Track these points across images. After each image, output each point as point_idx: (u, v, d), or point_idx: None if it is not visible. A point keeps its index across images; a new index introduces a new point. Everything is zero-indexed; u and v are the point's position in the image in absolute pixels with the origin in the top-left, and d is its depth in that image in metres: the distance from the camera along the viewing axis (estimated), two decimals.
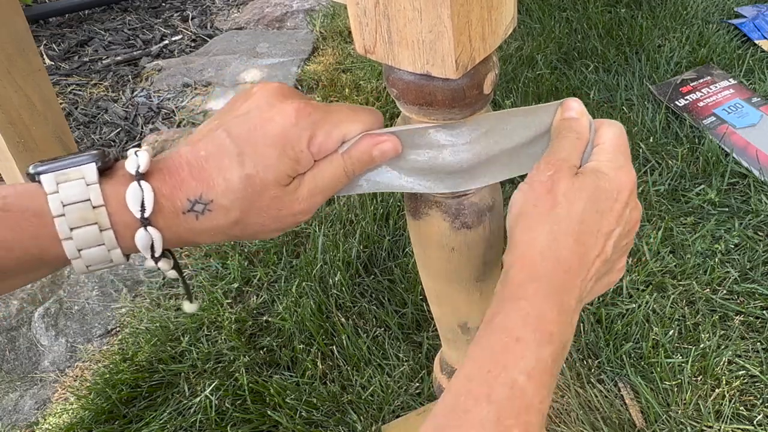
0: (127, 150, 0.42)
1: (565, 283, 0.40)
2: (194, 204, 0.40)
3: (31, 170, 0.38)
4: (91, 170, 0.38)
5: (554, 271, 0.40)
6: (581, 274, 0.41)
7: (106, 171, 0.39)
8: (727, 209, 1.15)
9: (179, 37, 2.03)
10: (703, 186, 1.20)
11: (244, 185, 0.40)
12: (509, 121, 0.46)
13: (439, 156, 0.46)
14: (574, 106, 0.46)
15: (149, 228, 0.39)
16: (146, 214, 0.38)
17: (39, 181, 0.38)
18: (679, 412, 0.88)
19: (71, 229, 0.37)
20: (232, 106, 0.43)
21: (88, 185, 0.38)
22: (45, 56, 1.89)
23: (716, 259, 1.06)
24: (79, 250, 0.38)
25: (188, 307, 0.49)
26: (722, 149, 1.27)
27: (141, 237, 0.39)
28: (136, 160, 0.39)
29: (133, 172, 0.39)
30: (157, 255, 0.40)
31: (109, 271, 1.20)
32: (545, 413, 0.38)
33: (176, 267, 0.43)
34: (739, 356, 0.93)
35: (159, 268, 0.42)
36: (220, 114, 0.43)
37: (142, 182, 0.38)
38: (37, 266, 0.39)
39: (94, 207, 0.38)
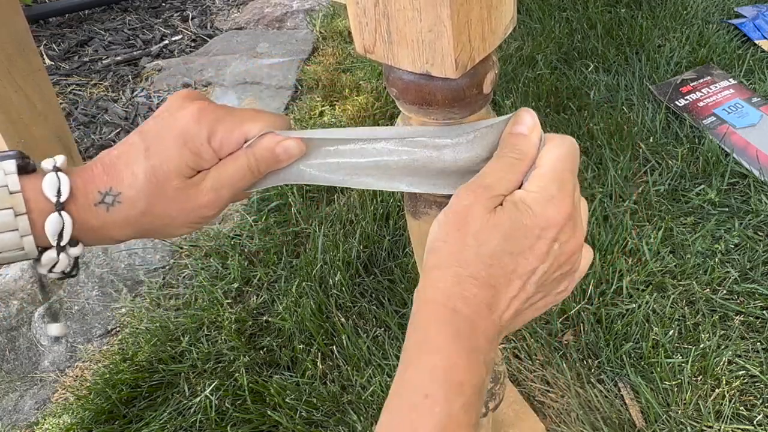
0: None
1: (473, 326, 0.38)
2: (105, 196, 0.43)
3: None
4: (10, 164, 0.41)
5: (461, 317, 0.38)
6: (493, 315, 0.39)
7: (26, 171, 0.42)
8: (727, 209, 1.15)
9: (179, 37, 2.03)
10: (703, 186, 1.20)
11: (149, 176, 0.43)
12: (452, 133, 0.45)
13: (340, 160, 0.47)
14: (526, 120, 0.42)
15: (62, 213, 0.41)
16: (62, 200, 0.41)
17: None
18: (679, 412, 0.88)
19: None
20: (153, 115, 0.47)
21: (6, 175, 0.41)
22: (45, 56, 1.89)
23: (716, 259, 1.06)
24: None
25: (54, 329, 0.51)
26: (722, 149, 1.27)
27: (52, 221, 0.41)
28: (53, 160, 0.43)
29: (51, 167, 0.42)
30: (63, 242, 0.42)
31: (109, 271, 1.20)
32: None
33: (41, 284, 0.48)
34: (739, 356, 0.93)
35: (57, 261, 0.43)
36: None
37: (60, 173, 0.42)
38: None
39: (10, 192, 0.40)
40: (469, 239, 0.39)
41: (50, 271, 0.44)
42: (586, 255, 0.44)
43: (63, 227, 0.42)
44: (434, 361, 0.37)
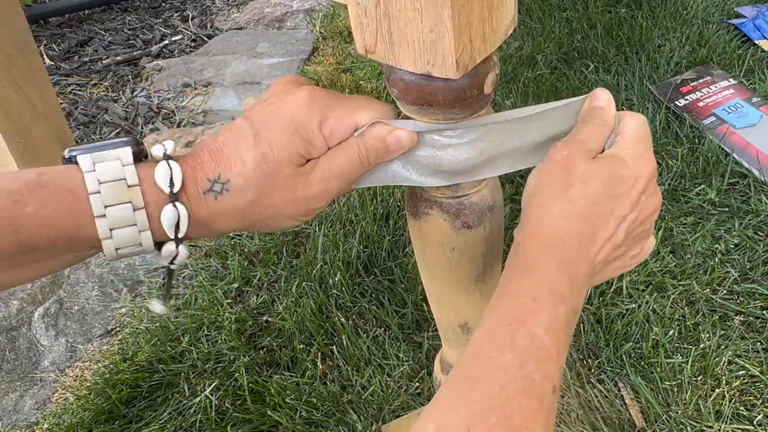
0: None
1: (574, 256, 0.41)
2: (213, 183, 0.41)
3: (67, 154, 0.40)
4: (126, 153, 0.39)
5: (564, 246, 0.41)
6: (590, 252, 0.42)
7: (138, 159, 0.41)
8: (727, 209, 1.15)
9: (179, 37, 2.03)
10: (703, 186, 1.20)
11: (259, 164, 0.41)
12: (523, 121, 0.46)
13: (443, 154, 0.46)
14: (602, 96, 0.46)
15: (177, 204, 0.40)
16: (175, 190, 0.40)
17: (76, 162, 0.39)
18: (679, 412, 0.88)
19: (105, 207, 0.38)
20: (258, 100, 0.45)
21: (123, 166, 0.39)
22: (45, 56, 1.89)
23: (716, 259, 1.06)
24: (111, 230, 0.39)
25: (157, 306, 0.50)
26: (722, 149, 1.27)
27: (168, 213, 0.40)
28: (163, 146, 0.41)
29: (161, 155, 0.41)
30: (181, 235, 0.40)
31: (109, 271, 1.20)
32: (562, 366, 0.39)
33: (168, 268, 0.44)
34: (739, 356, 0.93)
35: (176, 253, 0.42)
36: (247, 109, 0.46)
37: (171, 161, 0.40)
38: (66, 247, 0.39)
39: (129, 186, 0.39)
40: (574, 180, 0.42)
41: (171, 263, 0.42)
42: (652, 239, 0.48)
43: (179, 219, 0.40)
44: (540, 274, 0.40)
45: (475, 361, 0.38)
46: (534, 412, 0.36)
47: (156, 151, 0.41)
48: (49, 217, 0.38)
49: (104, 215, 0.38)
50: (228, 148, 0.42)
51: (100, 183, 0.38)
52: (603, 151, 0.45)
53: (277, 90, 0.44)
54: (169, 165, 0.40)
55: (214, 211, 0.42)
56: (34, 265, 0.40)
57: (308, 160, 0.43)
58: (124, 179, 0.39)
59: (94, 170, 0.38)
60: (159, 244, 0.41)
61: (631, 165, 0.43)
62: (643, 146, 0.45)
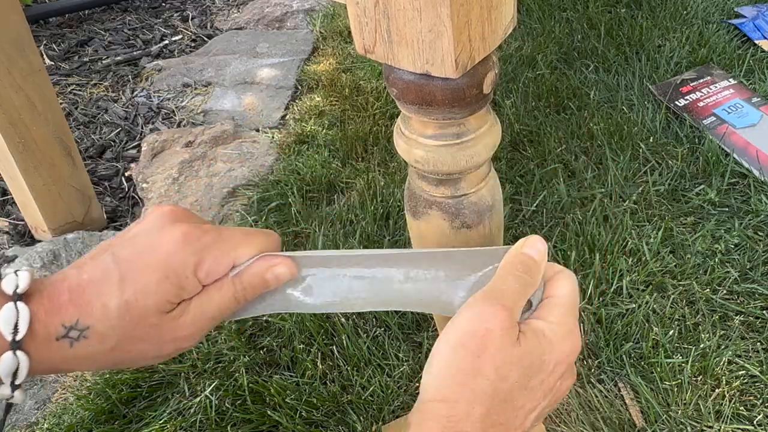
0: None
1: None
2: (69, 330, 0.38)
3: None
4: None
5: None
6: None
7: None
8: (727, 209, 1.15)
9: (179, 37, 2.03)
10: (703, 186, 1.20)
11: (122, 312, 0.38)
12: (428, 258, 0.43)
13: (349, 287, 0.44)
14: (539, 247, 0.41)
15: (18, 352, 0.37)
16: (18, 338, 0.37)
17: None
18: (679, 412, 0.88)
19: None
20: (126, 229, 0.42)
21: None
22: (45, 56, 1.89)
23: (716, 259, 1.06)
24: None
25: None
26: (722, 149, 1.27)
27: (6, 361, 0.37)
28: (15, 279, 0.38)
29: (11, 292, 0.37)
30: (18, 382, 0.38)
31: None
32: None
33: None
34: (739, 356, 0.93)
35: (11, 397, 0.39)
36: (114, 237, 0.42)
37: (19, 303, 0.37)
38: None
39: None
40: (487, 370, 0.36)
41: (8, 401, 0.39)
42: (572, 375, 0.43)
43: (18, 367, 0.37)
44: None
45: None
46: None
47: (6, 285, 0.38)
48: None
49: None
50: (90, 290, 0.38)
51: None
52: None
53: (149, 226, 0.41)
54: (16, 307, 0.37)
55: (67, 357, 0.38)
56: None
57: (178, 304, 0.40)
58: None
59: None
60: None
61: (557, 348, 0.38)
62: (573, 320, 0.40)
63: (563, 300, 0.40)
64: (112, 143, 1.57)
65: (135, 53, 1.92)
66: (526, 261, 0.41)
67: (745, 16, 1.66)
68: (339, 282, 0.44)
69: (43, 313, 0.38)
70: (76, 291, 0.39)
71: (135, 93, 1.74)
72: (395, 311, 1.03)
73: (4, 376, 0.37)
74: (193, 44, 2.00)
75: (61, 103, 1.66)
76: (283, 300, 0.45)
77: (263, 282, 0.42)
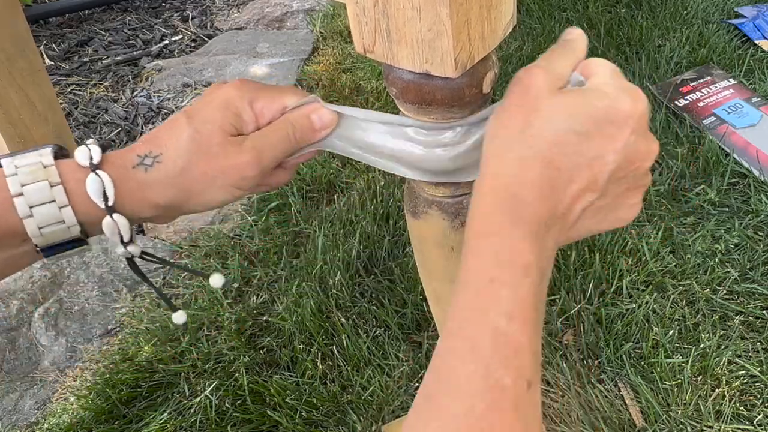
0: None
1: (533, 212, 0.35)
2: (144, 158, 0.43)
3: None
4: (45, 151, 0.42)
5: (519, 201, 0.35)
6: (557, 201, 0.36)
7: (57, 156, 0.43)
8: (727, 209, 1.15)
9: (179, 37, 2.03)
10: (703, 186, 1.20)
11: (192, 137, 0.43)
12: None
13: (410, 152, 0.47)
14: (574, 30, 0.41)
15: (99, 171, 0.41)
16: (95, 161, 0.41)
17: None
18: (679, 412, 0.88)
19: (22, 186, 0.40)
20: None
21: (41, 156, 0.41)
22: (45, 56, 1.89)
23: (716, 259, 1.06)
24: (31, 208, 0.40)
25: (217, 281, 0.53)
26: (722, 149, 1.27)
27: (91, 181, 0.41)
28: (86, 145, 0.43)
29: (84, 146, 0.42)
30: (111, 202, 0.41)
31: (109, 271, 1.20)
32: (538, 351, 0.34)
33: (156, 261, 0.48)
34: (739, 356, 0.93)
35: (127, 253, 0.44)
36: None
37: (91, 145, 0.42)
38: None
39: (44, 166, 0.40)
40: (532, 116, 0.36)
41: (125, 246, 0.43)
42: (639, 201, 0.41)
43: (104, 186, 0.41)
44: (497, 245, 0.35)
45: (438, 375, 0.34)
46: (509, 424, 0.31)
47: (80, 156, 0.42)
48: None
49: (21, 193, 0.40)
50: (162, 132, 0.44)
51: (17, 167, 0.40)
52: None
53: (212, 85, 0.48)
54: (88, 147, 0.42)
55: (144, 183, 0.43)
56: None
57: (240, 134, 0.45)
58: (40, 161, 0.40)
59: (14, 161, 0.41)
60: (90, 230, 0.42)
61: (612, 97, 0.36)
62: (625, 81, 0.38)
63: (602, 70, 0.39)
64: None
65: (135, 53, 1.92)
66: (562, 41, 0.41)
67: (745, 16, 1.66)
68: (373, 138, 0.48)
69: (117, 154, 0.43)
70: (149, 137, 0.44)
71: (135, 93, 1.74)
72: (395, 311, 1.03)
73: (95, 197, 0.41)
74: (193, 44, 1.99)
75: (61, 103, 1.66)
76: (330, 143, 0.49)
77: (310, 123, 0.47)
